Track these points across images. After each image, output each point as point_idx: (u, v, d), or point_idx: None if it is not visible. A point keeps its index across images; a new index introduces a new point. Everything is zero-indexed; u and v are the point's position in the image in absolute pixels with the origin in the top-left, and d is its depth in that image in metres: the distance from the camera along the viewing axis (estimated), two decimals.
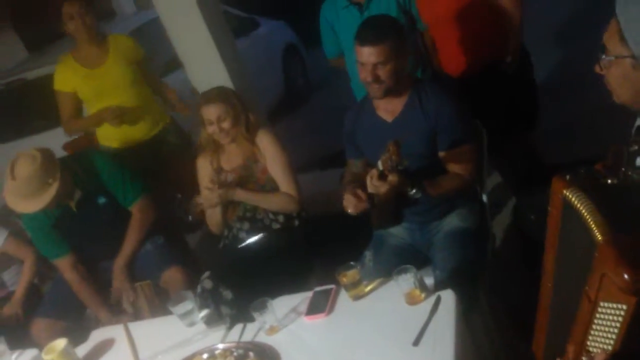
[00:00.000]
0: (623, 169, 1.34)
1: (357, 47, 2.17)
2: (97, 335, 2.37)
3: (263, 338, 2.00)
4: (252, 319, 2.04)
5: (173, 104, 3.52)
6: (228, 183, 2.62)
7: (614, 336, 1.15)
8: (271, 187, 2.65)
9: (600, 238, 1.14)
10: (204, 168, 2.74)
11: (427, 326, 1.77)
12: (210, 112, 2.60)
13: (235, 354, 1.93)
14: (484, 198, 2.52)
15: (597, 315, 1.18)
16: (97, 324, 2.81)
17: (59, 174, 2.51)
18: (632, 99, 1.32)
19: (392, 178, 1.99)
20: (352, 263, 2.04)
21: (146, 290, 2.72)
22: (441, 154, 2.27)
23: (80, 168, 2.71)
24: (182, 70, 4.12)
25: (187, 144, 3.51)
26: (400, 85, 2.24)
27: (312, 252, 2.66)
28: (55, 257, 2.79)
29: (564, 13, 6.09)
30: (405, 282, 1.89)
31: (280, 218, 2.63)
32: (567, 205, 1.26)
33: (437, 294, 1.89)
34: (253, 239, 2.61)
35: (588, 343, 1.21)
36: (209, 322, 2.14)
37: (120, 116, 3.22)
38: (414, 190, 2.12)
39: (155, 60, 3.68)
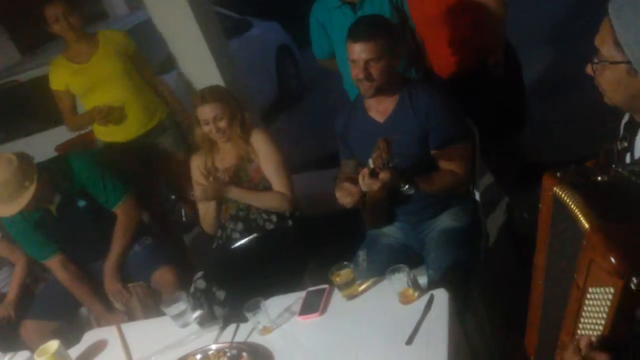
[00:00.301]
0: (613, 165, 1.35)
1: (349, 44, 2.18)
2: (89, 337, 2.36)
3: (256, 338, 2.00)
4: (245, 319, 2.03)
5: (166, 98, 3.51)
6: (222, 180, 2.62)
7: (602, 321, 1.15)
8: (264, 187, 2.65)
9: (587, 226, 1.15)
10: (197, 167, 2.73)
11: (421, 325, 1.77)
12: (207, 112, 2.59)
13: (228, 354, 1.93)
14: (477, 197, 2.52)
15: (586, 302, 1.18)
16: (89, 324, 2.81)
17: (36, 177, 2.51)
18: (624, 102, 1.33)
19: (383, 175, 2.00)
20: (345, 263, 2.05)
21: (139, 291, 2.71)
22: (433, 152, 2.27)
23: (59, 172, 2.70)
24: (175, 70, 4.14)
25: (184, 140, 3.51)
26: (392, 85, 2.25)
27: (305, 252, 2.66)
28: (43, 259, 2.80)
29: (553, 13, 6.12)
30: (398, 281, 1.89)
31: (274, 218, 2.63)
32: (558, 202, 1.26)
33: (430, 293, 1.89)
34: (246, 239, 2.61)
35: (578, 331, 1.21)
36: (202, 322, 2.14)
37: (106, 116, 3.26)
38: (406, 187, 2.12)
39: (148, 61, 3.67)
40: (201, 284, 2.28)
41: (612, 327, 1.13)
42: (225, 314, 2.14)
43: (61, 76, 3.35)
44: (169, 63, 4.18)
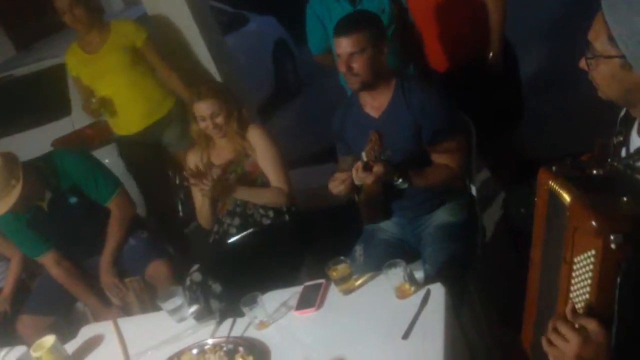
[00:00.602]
0: (609, 159, 1.35)
1: (334, 39, 2.21)
2: (86, 332, 2.36)
3: (253, 333, 2.00)
4: (242, 314, 2.04)
5: (175, 89, 3.50)
6: (225, 178, 2.60)
7: (588, 288, 1.16)
8: (262, 182, 2.65)
9: (569, 199, 1.18)
10: (193, 162, 2.73)
11: (417, 320, 1.78)
12: (204, 108, 2.58)
13: (225, 349, 1.93)
14: (474, 192, 2.53)
15: (573, 274, 1.20)
16: (85, 319, 2.81)
17: (21, 175, 2.49)
18: (619, 96, 1.33)
19: (377, 168, 2.01)
20: (342, 258, 2.05)
21: (135, 286, 2.71)
22: (427, 147, 2.27)
23: (48, 169, 2.69)
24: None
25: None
26: (380, 80, 2.26)
27: (302, 246, 2.66)
28: (37, 255, 2.79)
29: (548, 9, 6.12)
30: (395, 276, 1.89)
31: (271, 213, 2.63)
32: (553, 196, 1.26)
33: (426, 287, 1.90)
34: (243, 234, 2.61)
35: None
36: (199, 317, 2.14)
37: (98, 108, 3.35)
38: (400, 180, 2.13)
39: None
40: (197, 277, 2.28)
41: (597, 293, 1.15)
42: (221, 307, 2.14)
43: (74, 64, 3.47)
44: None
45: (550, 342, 1.24)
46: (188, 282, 2.30)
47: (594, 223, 1.10)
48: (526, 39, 4.74)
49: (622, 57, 1.23)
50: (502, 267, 2.78)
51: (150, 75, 3.46)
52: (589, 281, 1.16)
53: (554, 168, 1.29)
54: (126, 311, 2.71)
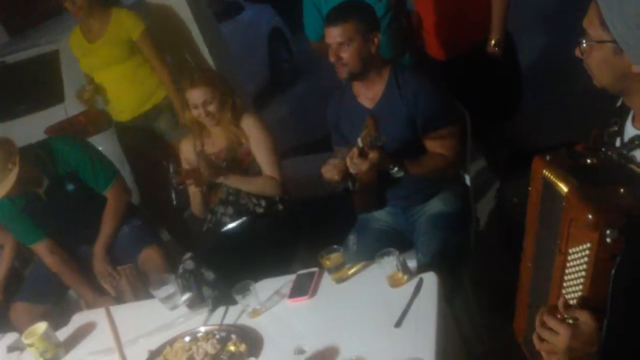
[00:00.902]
0: (603, 149, 1.35)
1: (325, 28, 2.21)
2: (78, 319, 2.36)
3: (246, 321, 2.00)
4: (234, 302, 2.03)
5: (164, 83, 3.51)
6: (216, 165, 2.59)
7: (582, 280, 1.17)
8: (254, 171, 2.64)
9: (566, 190, 1.18)
10: (186, 151, 2.72)
11: (409, 308, 1.78)
12: (196, 95, 2.57)
13: (217, 336, 1.93)
14: (468, 181, 2.53)
15: (568, 265, 1.20)
16: (78, 306, 2.81)
17: (18, 159, 2.47)
18: (612, 83, 1.33)
19: (372, 155, 2.00)
20: (335, 246, 2.05)
21: (128, 274, 2.70)
22: (422, 136, 2.27)
23: (46, 155, 2.67)
24: (167, 54, 4.09)
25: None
26: (372, 70, 2.25)
27: (295, 235, 2.66)
28: (31, 243, 2.78)
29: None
30: (388, 264, 1.89)
31: (264, 202, 2.62)
32: (547, 185, 1.26)
33: (419, 276, 1.90)
34: (236, 223, 2.60)
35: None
36: (191, 305, 2.14)
37: (91, 98, 3.46)
38: (395, 169, 2.12)
39: None
40: (190, 264, 2.27)
41: (591, 285, 1.15)
42: (214, 295, 2.13)
43: (75, 47, 3.53)
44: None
45: (540, 339, 1.25)
46: (181, 270, 2.30)
47: (590, 216, 1.10)
48: (521, 29, 4.73)
49: (614, 42, 1.23)
50: (495, 257, 2.79)
51: (145, 65, 3.49)
52: (583, 273, 1.16)
53: (548, 157, 1.29)
54: (119, 299, 2.71)
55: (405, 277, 1.90)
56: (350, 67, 2.20)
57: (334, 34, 2.17)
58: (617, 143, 1.39)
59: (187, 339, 1.97)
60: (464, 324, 2.24)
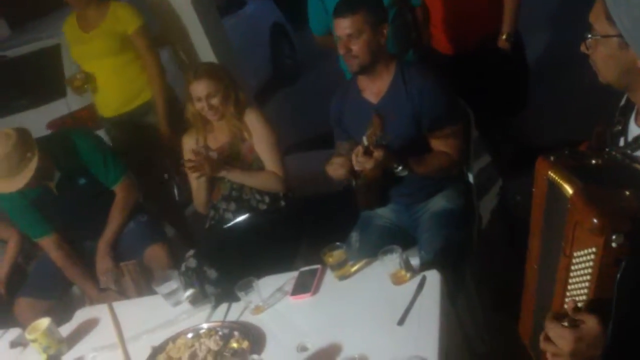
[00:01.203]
0: (607, 149, 1.34)
1: (333, 20, 2.20)
2: (81, 315, 2.36)
3: (248, 318, 2.00)
4: (237, 299, 2.04)
5: (153, 85, 3.45)
6: (218, 159, 2.59)
7: (587, 284, 1.16)
8: (258, 166, 2.64)
9: (571, 191, 1.17)
10: (189, 145, 2.71)
11: (412, 306, 1.78)
12: (199, 88, 2.55)
13: (220, 333, 1.93)
14: (471, 179, 2.52)
15: (572, 268, 1.19)
16: (82, 302, 2.81)
17: (36, 150, 2.47)
18: (617, 78, 1.32)
19: (377, 153, 2.00)
20: (338, 243, 2.05)
21: (131, 270, 2.70)
22: (426, 134, 2.27)
23: (59, 148, 2.67)
24: (168, 47, 4.08)
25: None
26: (380, 63, 2.25)
27: (298, 232, 2.65)
28: (37, 237, 2.77)
29: None
30: (390, 262, 1.89)
31: (267, 199, 2.62)
32: (552, 186, 1.26)
33: (422, 274, 1.90)
34: (239, 219, 2.60)
35: (567, 300, 1.22)
36: (194, 301, 2.14)
37: (81, 86, 3.39)
38: (399, 168, 2.12)
39: None
40: (192, 262, 2.27)
41: (596, 289, 1.14)
42: (216, 292, 2.14)
43: (69, 35, 3.46)
44: (160, 40, 4.12)
45: (547, 339, 1.25)
46: (183, 268, 2.30)
47: (595, 221, 1.09)
48: (525, 27, 4.71)
49: (620, 36, 1.22)
50: (497, 255, 2.79)
51: (135, 63, 3.39)
52: (588, 277, 1.16)
53: (552, 158, 1.29)
54: (122, 295, 2.71)
55: (408, 275, 1.90)
56: (360, 59, 2.19)
57: (344, 26, 2.16)
58: (621, 142, 1.38)
59: (190, 335, 1.98)
60: (467, 321, 2.24)
